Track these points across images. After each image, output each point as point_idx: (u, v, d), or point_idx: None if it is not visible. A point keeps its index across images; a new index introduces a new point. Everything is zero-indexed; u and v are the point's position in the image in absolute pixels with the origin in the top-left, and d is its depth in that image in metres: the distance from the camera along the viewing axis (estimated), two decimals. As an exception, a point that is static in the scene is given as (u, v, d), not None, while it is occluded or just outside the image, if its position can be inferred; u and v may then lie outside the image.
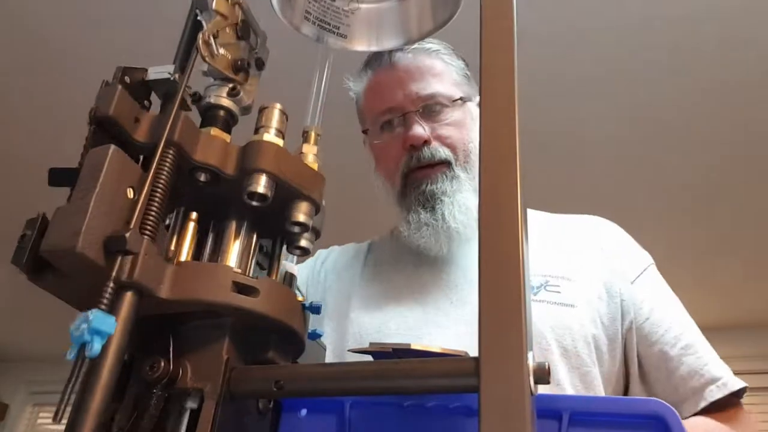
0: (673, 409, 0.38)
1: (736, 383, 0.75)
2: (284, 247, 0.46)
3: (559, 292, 0.78)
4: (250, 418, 0.40)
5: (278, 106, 0.45)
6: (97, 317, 0.30)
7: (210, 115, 0.44)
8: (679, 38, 1.75)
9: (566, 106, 1.99)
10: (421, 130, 0.82)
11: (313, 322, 0.45)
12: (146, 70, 0.44)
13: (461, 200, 0.81)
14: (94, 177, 0.34)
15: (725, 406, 0.74)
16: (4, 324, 3.58)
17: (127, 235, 0.33)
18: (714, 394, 0.74)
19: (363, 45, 0.62)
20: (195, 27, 0.46)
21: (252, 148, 0.41)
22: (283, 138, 0.44)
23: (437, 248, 0.82)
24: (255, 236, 0.44)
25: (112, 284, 0.32)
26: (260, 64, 0.49)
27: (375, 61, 0.89)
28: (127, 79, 0.42)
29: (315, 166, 0.46)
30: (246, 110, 0.47)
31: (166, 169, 0.37)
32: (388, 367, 0.35)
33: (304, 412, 0.43)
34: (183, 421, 0.36)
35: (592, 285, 0.80)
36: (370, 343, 0.41)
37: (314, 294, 0.91)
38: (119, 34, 1.83)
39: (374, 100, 0.88)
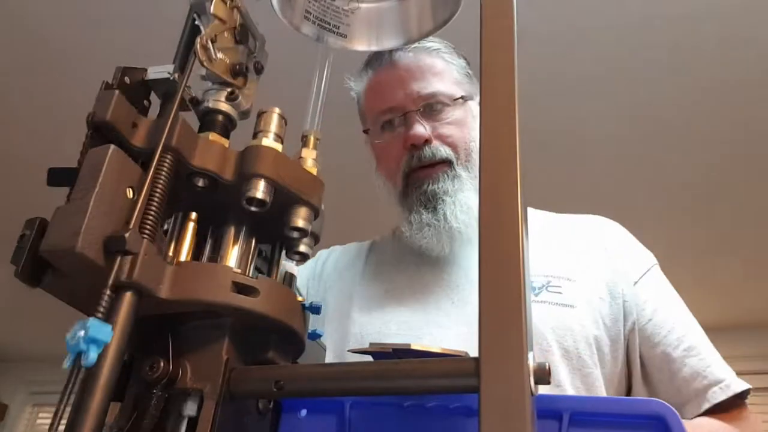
0: (674, 409, 0.38)
1: (740, 385, 0.75)
2: (283, 252, 0.46)
3: (560, 292, 0.78)
4: (250, 419, 0.40)
5: (277, 110, 0.45)
6: (93, 326, 0.30)
7: (208, 119, 0.44)
8: (679, 37, 1.75)
9: (566, 105, 1.99)
10: (421, 129, 0.82)
11: (314, 322, 0.45)
12: (146, 70, 0.44)
13: (463, 200, 0.81)
14: (93, 177, 0.34)
15: (729, 408, 0.74)
16: (4, 324, 3.58)
17: (127, 235, 0.33)
18: (717, 396, 0.73)
19: (363, 45, 0.62)
20: (193, 31, 0.46)
21: (250, 153, 0.41)
22: (282, 142, 0.44)
23: (439, 248, 0.82)
24: (254, 241, 0.44)
25: (108, 292, 0.32)
26: (259, 69, 0.48)
27: (375, 60, 0.89)
28: (126, 79, 0.42)
29: (314, 171, 0.45)
30: (244, 115, 0.46)
31: (163, 174, 0.37)
32: (388, 368, 0.35)
33: (304, 412, 0.43)
34: (182, 422, 0.36)
35: (594, 286, 0.79)
36: (370, 344, 0.41)
37: (315, 295, 0.91)
38: (119, 34, 1.83)
39: (375, 100, 0.88)
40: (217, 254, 0.42)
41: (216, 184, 0.41)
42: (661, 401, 0.38)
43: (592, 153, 2.17)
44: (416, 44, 0.84)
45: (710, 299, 2.85)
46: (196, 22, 0.46)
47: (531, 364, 0.30)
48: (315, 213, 0.44)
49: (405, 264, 0.88)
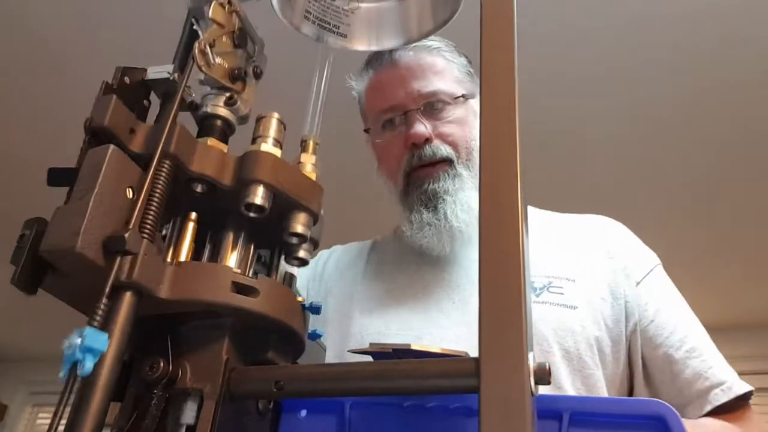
0: (674, 409, 0.38)
1: (742, 387, 0.74)
2: (282, 258, 0.46)
3: (562, 293, 0.77)
4: (250, 419, 0.40)
5: (275, 115, 0.45)
6: (89, 335, 0.30)
7: (207, 124, 0.44)
8: (679, 37, 1.75)
9: (566, 104, 1.99)
10: (422, 128, 0.82)
11: (315, 322, 0.45)
12: (146, 70, 0.44)
13: (463, 199, 0.81)
14: (93, 177, 0.34)
15: (731, 410, 0.73)
16: (4, 324, 3.58)
17: (127, 235, 0.33)
18: (719, 397, 0.73)
19: (363, 44, 0.62)
20: (191, 36, 0.46)
21: (249, 159, 0.41)
22: (281, 147, 0.44)
23: (440, 248, 0.82)
24: (252, 247, 0.44)
25: (105, 300, 0.32)
26: (258, 74, 0.48)
27: (376, 59, 0.88)
28: (126, 79, 0.42)
29: (313, 176, 0.45)
30: (243, 120, 0.46)
31: (161, 180, 0.37)
32: (388, 368, 0.35)
33: (304, 412, 0.43)
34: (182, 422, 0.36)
35: (596, 286, 0.79)
36: (370, 344, 0.41)
37: (316, 296, 0.91)
38: (119, 34, 1.83)
39: (376, 99, 0.88)
40: (215, 258, 0.42)
41: (214, 189, 0.41)
42: (661, 401, 0.38)
43: (592, 153, 2.17)
44: (417, 43, 0.83)
45: (710, 299, 2.85)
46: (194, 27, 0.46)
47: (531, 364, 0.30)
48: (314, 218, 0.43)
49: (406, 264, 0.88)
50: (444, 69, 0.87)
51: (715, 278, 2.77)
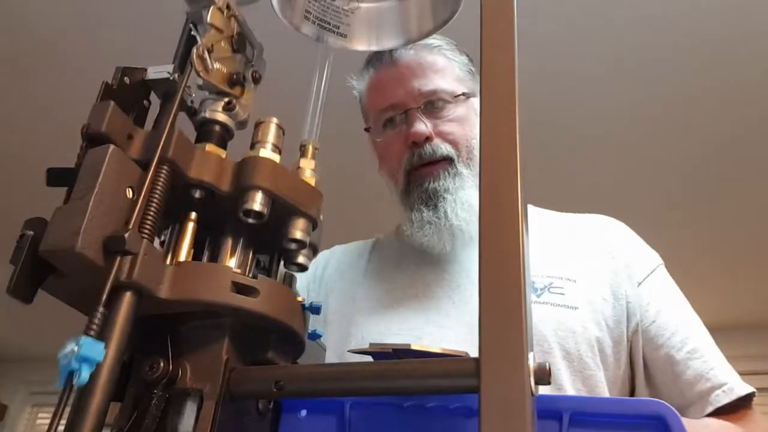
0: (674, 409, 0.38)
1: (743, 388, 0.74)
2: (281, 263, 0.46)
3: (563, 294, 0.77)
4: (250, 419, 0.40)
5: (274, 120, 0.44)
6: (85, 344, 0.29)
7: (205, 130, 0.44)
8: (679, 37, 1.75)
9: (566, 104, 1.99)
10: (422, 126, 0.82)
11: (316, 323, 0.45)
12: (146, 70, 0.44)
13: (464, 197, 0.81)
14: (93, 177, 0.34)
15: (733, 411, 0.73)
16: (4, 324, 3.58)
17: (127, 235, 0.33)
18: (720, 399, 0.73)
19: (363, 44, 0.62)
20: (190, 41, 0.46)
21: (248, 165, 0.41)
22: (280, 153, 0.43)
23: (440, 246, 0.82)
24: (251, 252, 0.44)
25: (101, 309, 0.31)
26: (257, 78, 0.48)
27: (377, 58, 0.88)
28: (126, 79, 0.42)
29: (312, 182, 0.45)
30: (242, 125, 0.46)
31: (161, 180, 0.37)
32: (388, 368, 0.35)
33: (304, 412, 0.43)
34: (182, 422, 0.36)
35: (597, 287, 0.79)
36: (370, 344, 0.41)
37: (316, 298, 0.90)
38: (119, 34, 1.83)
39: (376, 98, 0.88)
40: (215, 261, 0.42)
41: (213, 195, 0.40)
42: (661, 401, 0.38)
43: (592, 152, 2.17)
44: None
45: (710, 299, 2.85)
46: (192, 33, 0.46)
47: (531, 364, 0.30)
48: (313, 224, 0.43)
49: (406, 263, 0.88)
50: (444, 67, 0.87)
51: (715, 278, 2.77)
